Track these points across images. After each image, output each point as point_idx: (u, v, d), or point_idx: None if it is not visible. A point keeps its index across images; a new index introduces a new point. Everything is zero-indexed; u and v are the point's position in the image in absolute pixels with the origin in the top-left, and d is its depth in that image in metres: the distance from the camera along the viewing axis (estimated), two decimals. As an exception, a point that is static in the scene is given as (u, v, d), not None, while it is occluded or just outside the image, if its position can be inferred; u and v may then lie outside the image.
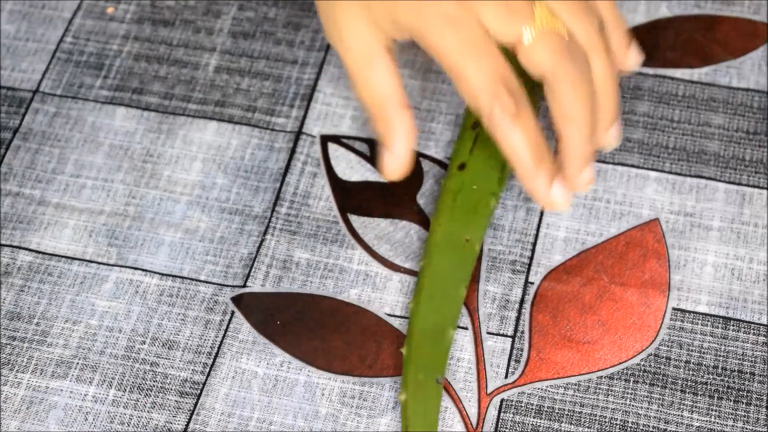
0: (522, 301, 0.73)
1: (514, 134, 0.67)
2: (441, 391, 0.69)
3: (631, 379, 0.70)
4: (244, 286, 0.74)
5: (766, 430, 0.68)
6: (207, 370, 0.71)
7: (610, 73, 0.69)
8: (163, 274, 0.74)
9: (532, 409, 0.69)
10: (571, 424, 0.69)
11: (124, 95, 0.81)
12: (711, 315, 0.72)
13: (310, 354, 0.71)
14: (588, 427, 0.69)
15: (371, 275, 0.74)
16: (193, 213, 0.77)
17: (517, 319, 0.72)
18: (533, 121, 0.67)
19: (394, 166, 0.71)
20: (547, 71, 0.67)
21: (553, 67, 0.67)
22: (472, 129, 0.77)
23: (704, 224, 0.75)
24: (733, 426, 0.68)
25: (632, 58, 0.73)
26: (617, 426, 0.69)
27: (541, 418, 0.69)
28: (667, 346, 0.71)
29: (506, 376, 0.70)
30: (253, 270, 0.74)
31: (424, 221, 0.76)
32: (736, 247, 0.74)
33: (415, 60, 0.82)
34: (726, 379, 0.70)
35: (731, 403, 0.69)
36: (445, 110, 0.80)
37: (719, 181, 0.77)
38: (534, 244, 0.75)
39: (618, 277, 0.73)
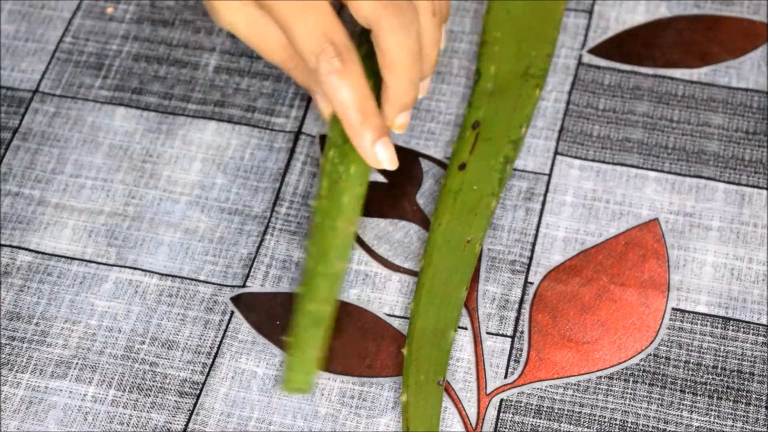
0: (521, 301, 0.73)
1: (340, 90, 0.69)
2: (442, 392, 0.69)
3: (631, 379, 0.70)
4: (244, 286, 0.74)
5: (765, 430, 0.68)
6: (206, 370, 0.71)
7: (433, 24, 0.72)
8: (162, 274, 0.74)
9: (531, 409, 0.69)
10: (570, 424, 0.69)
11: (123, 95, 0.81)
12: (710, 315, 0.72)
13: (309, 354, 0.71)
14: (587, 427, 0.69)
15: (371, 275, 0.74)
16: (193, 213, 0.77)
17: (517, 319, 0.72)
18: (361, 78, 0.69)
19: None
20: (372, 21, 0.69)
21: (377, 17, 0.69)
22: (472, 129, 0.77)
23: (704, 224, 0.75)
24: (732, 426, 0.68)
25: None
26: (617, 426, 0.69)
27: (540, 418, 0.69)
28: (667, 346, 0.71)
29: (506, 376, 0.70)
30: (252, 270, 0.74)
31: (423, 221, 0.76)
32: (736, 247, 0.74)
33: (415, 60, 0.82)
34: (725, 379, 0.70)
35: (730, 403, 0.69)
36: (445, 110, 0.80)
37: (719, 181, 0.77)
38: (533, 244, 0.75)
39: (617, 277, 0.73)
